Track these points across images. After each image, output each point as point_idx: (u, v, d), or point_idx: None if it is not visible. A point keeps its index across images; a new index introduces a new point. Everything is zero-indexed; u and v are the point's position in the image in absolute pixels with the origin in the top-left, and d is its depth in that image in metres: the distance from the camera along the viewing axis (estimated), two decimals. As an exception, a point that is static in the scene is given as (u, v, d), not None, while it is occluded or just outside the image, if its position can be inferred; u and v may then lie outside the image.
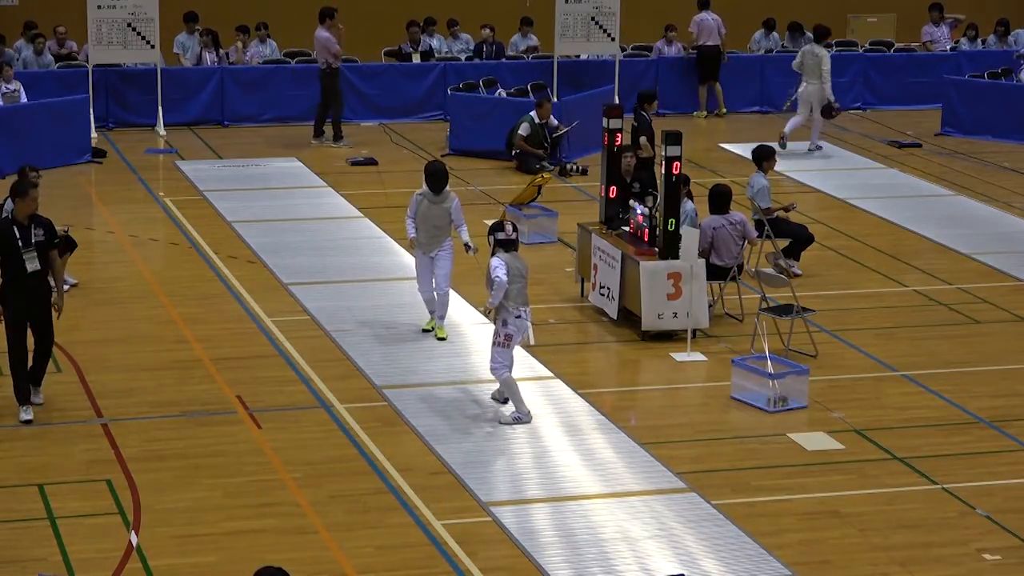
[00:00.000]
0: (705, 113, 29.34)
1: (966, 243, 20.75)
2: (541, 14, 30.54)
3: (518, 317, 14.31)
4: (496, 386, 14.74)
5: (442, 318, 16.63)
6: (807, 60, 26.16)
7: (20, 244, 13.97)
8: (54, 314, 14.26)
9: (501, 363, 14.29)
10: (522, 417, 14.37)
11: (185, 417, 14.44)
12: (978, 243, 20.76)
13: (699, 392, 15.56)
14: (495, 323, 14.42)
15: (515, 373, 14.64)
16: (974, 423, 14.69)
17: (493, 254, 14.47)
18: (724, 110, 29.39)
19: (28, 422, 14.08)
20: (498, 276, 14.22)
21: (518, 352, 15.78)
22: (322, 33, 25.86)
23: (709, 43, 29.08)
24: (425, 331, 16.67)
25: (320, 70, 26.13)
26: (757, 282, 17.03)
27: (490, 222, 15.13)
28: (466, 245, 16.22)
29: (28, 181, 14.83)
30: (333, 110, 26.20)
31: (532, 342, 15.05)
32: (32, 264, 13.98)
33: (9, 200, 18.20)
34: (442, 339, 16.48)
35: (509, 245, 14.47)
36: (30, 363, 14.27)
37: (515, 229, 14.64)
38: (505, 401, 14.69)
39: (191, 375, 15.56)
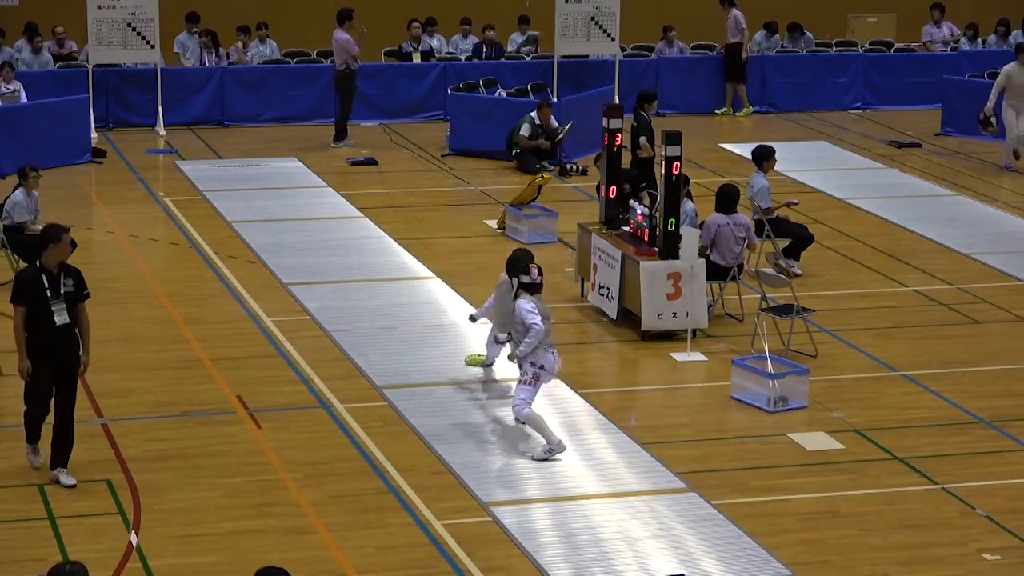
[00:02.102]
0: (729, 111, 29.37)
1: (966, 243, 20.75)
2: (541, 14, 30.55)
3: (543, 367, 13.68)
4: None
5: (490, 365, 15.60)
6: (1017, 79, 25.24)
7: (48, 295, 12.79)
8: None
9: (523, 400, 13.67)
10: (555, 448, 13.61)
11: (185, 417, 14.44)
12: (978, 243, 20.76)
13: (699, 392, 15.56)
14: (520, 366, 13.81)
15: (514, 372, 14.61)
16: (974, 423, 14.68)
17: (516, 297, 13.84)
18: (750, 108, 29.35)
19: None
20: (535, 324, 13.56)
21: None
22: (341, 35, 25.84)
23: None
24: (467, 364, 15.75)
25: (337, 71, 26.11)
26: (757, 282, 17.03)
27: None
28: (471, 317, 15.61)
29: (61, 227, 13.19)
30: (342, 110, 26.23)
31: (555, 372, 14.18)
32: (61, 317, 12.79)
33: (10, 198, 18.36)
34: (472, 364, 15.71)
35: (534, 289, 13.83)
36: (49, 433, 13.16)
37: (540, 272, 13.92)
38: (546, 452, 13.79)
39: (191, 375, 15.56)
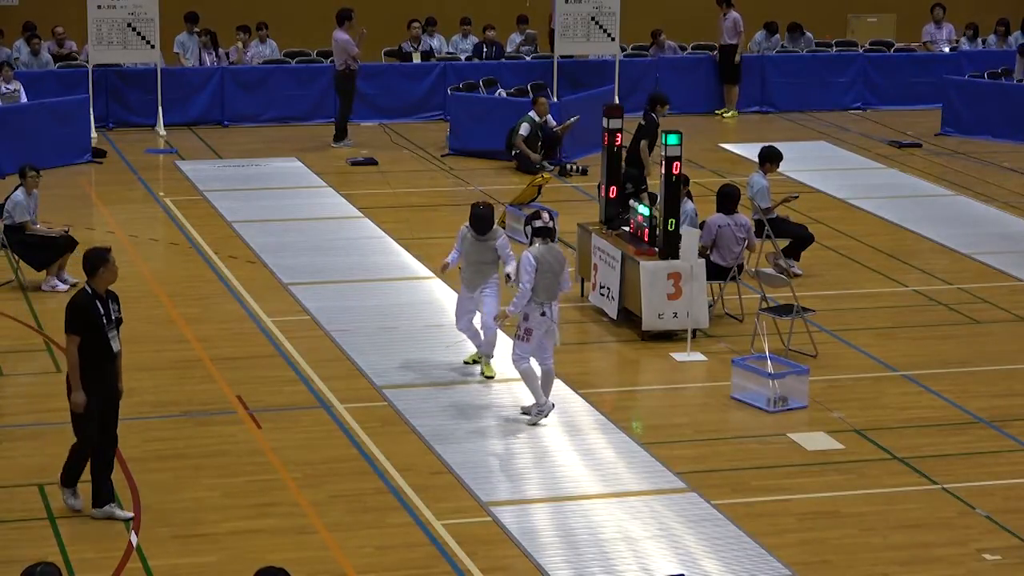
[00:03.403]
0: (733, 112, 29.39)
1: (966, 243, 20.75)
2: (541, 14, 30.56)
3: (542, 314, 14.21)
4: (518, 391, 14.71)
5: (490, 356, 15.60)
6: None
7: (104, 321, 12.25)
8: None
9: (519, 355, 14.26)
10: (543, 408, 14.30)
11: (185, 417, 14.44)
12: (978, 243, 20.76)
13: (699, 392, 15.56)
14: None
15: (514, 372, 14.65)
16: (974, 423, 14.68)
17: (530, 244, 14.38)
18: (735, 112, 29.35)
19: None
20: (522, 284, 14.09)
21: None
22: (341, 35, 25.84)
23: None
24: (467, 363, 15.89)
25: (337, 71, 26.11)
26: (757, 282, 17.03)
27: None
28: (507, 275, 15.35)
29: (104, 248, 12.54)
30: (342, 110, 26.24)
31: (558, 343, 14.69)
32: (116, 344, 12.36)
33: (10, 198, 18.35)
34: (490, 377, 15.52)
35: (546, 233, 14.35)
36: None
37: (552, 217, 14.54)
38: (547, 414, 14.41)
39: (191, 375, 15.56)
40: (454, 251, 15.62)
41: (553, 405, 14.39)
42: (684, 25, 30.76)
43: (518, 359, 14.27)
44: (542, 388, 14.38)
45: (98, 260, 12.24)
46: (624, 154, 18.80)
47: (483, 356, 15.61)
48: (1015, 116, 27.20)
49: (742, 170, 23.35)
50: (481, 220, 15.38)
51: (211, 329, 16.96)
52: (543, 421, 14.34)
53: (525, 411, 14.51)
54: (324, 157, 25.39)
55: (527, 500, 12.86)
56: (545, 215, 14.56)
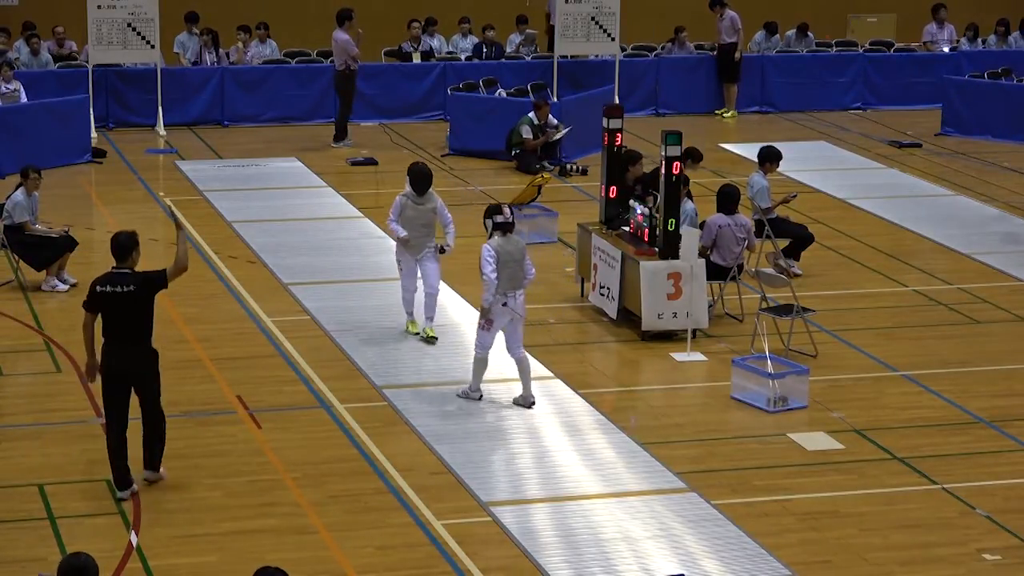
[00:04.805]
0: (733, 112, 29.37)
1: (966, 243, 20.75)
2: (541, 14, 30.55)
3: (504, 304, 14.49)
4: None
5: (431, 319, 16.50)
6: None
7: None
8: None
9: (480, 344, 14.66)
10: (471, 394, 14.82)
11: (185, 417, 14.43)
12: (978, 243, 20.77)
13: (699, 392, 15.56)
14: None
15: (514, 372, 14.69)
16: (974, 423, 14.69)
17: (490, 237, 14.60)
18: (735, 113, 29.32)
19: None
20: (486, 275, 14.40)
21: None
22: (341, 35, 25.84)
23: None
24: (411, 334, 16.54)
25: (337, 71, 26.11)
26: (757, 282, 17.03)
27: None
28: (443, 247, 16.24)
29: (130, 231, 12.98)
30: (342, 110, 26.24)
31: (522, 313, 14.79)
32: None
33: (10, 199, 18.34)
34: (433, 338, 16.42)
35: (506, 228, 14.65)
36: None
37: (512, 212, 14.83)
38: (530, 406, 14.69)
39: (191, 375, 15.56)
40: (392, 223, 16.33)
41: (481, 396, 14.81)
42: (684, 25, 30.71)
43: (478, 347, 14.70)
44: (521, 377, 14.75)
45: (132, 246, 12.72)
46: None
47: (425, 319, 16.45)
48: (1015, 116, 27.20)
49: (742, 170, 23.35)
50: (421, 177, 16.17)
51: (211, 329, 16.96)
52: (534, 415, 14.43)
53: (517, 402, 14.78)
54: (324, 157, 25.39)
55: (527, 500, 12.86)
56: (507, 210, 14.75)
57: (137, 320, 12.54)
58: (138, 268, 12.74)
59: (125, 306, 12.47)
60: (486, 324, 14.57)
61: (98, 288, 12.53)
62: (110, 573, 11.44)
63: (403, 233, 16.25)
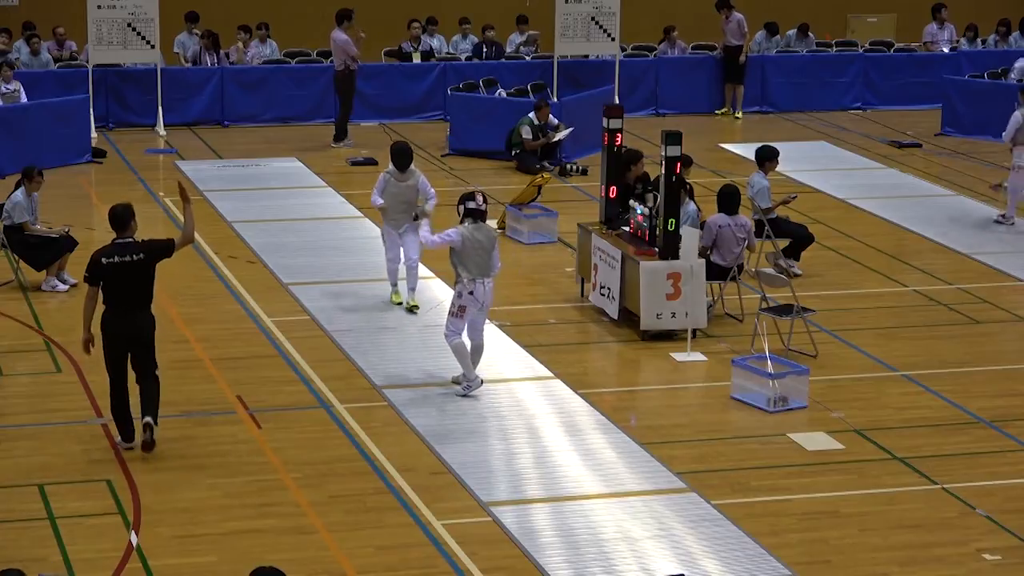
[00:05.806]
0: (730, 111, 29.34)
1: (966, 243, 20.75)
2: (541, 14, 30.54)
3: (471, 293, 14.66)
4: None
5: (413, 289, 17.34)
6: None
7: None
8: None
9: (452, 331, 14.80)
10: (471, 384, 14.87)
11: (185, 417, 14.43)
12: (978, 243, 20.77)
13: (699, 392, 15.56)
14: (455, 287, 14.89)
15: (514, 372, 14.71)
16: (974, 423, 14.68)
17: (461, 222, 14.77)
18: (740, 114, 29.32)
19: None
20: (435, 239, 14.80)
21: (518, 352, 15.79)
22: (339, 35, 25.84)
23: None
24: (395, 304, 17.41)
25: (336, 71, 26.11)
26: (757, 282, 17.03)
27: (492, 222, 15.18)
28: (421, 212, 16.93)
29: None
30: (342, 110, 26.24)
31: (489, 302, 15.03)
32: None
33: (10, 199, 18.34)
34: (415, 307, 17.17)
35: (477, 215, 14.80)
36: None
37: (485, 200, 15.01)
38: (468, 389, 14.96)
39: (191, 375, 15.55)
40: (376, 197, 17.13)
41: (482, 382, 14.89)
42: (684, 25, 30.72)
43: (450, 334, 14.80)
44: (472, 358, 14.94)
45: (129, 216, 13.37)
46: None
47: (407, 289, 17.27)
48: (1015, 116, 27.15)
49: (742, 170, 23.34)
50: (402, 155, 17.06)
51: (211, 329, 16.96)
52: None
53: (455, 380, 15.07)
54: (324, 157, 25.39)
55: (527, 500, 12.86)
56: (480, 197, 14.92)
57: (145, 287, 13.27)
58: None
59: (134, 274, 13.19)
60: (459, 312, 14.74)
61: (104, 260, 13.15)
62: (110, 573, 11.45)
63: (380, 202, 17.11)
